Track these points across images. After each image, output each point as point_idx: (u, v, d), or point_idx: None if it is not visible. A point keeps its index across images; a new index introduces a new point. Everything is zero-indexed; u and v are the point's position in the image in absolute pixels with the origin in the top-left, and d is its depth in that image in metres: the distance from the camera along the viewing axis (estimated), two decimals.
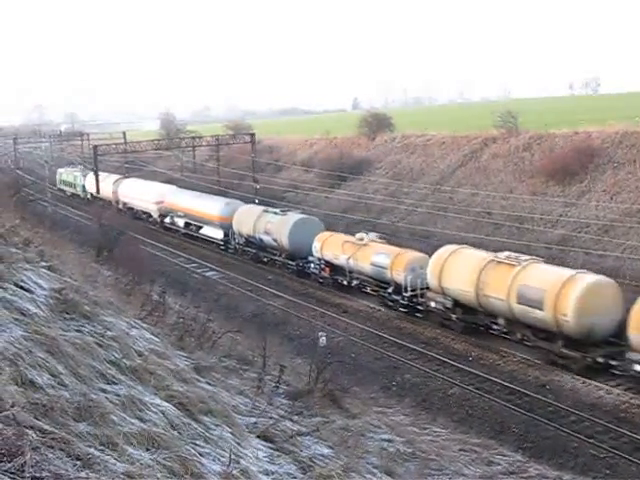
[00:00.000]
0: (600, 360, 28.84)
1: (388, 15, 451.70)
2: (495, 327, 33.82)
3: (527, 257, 33.72)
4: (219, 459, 7.69)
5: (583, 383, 28.39)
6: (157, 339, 13.90)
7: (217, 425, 9.09)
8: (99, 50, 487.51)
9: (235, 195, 64.56)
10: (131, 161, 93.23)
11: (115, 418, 7.06)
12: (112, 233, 44.63)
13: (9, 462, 5.05)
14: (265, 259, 51.94)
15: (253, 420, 11.05)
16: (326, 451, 11.65)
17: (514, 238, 45.80)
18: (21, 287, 10.76)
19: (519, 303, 31.19)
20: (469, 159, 61.33)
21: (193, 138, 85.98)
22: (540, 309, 30.13)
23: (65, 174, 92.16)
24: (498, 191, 53.10)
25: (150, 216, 68.29)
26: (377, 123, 79.94)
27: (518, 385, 28.87)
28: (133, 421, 7.32)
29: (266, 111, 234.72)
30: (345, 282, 43.40)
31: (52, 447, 5.68)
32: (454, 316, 35.42)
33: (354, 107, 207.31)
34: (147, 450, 6.68)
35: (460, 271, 34.41)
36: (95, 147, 75.68)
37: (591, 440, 24.03)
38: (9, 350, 7.43)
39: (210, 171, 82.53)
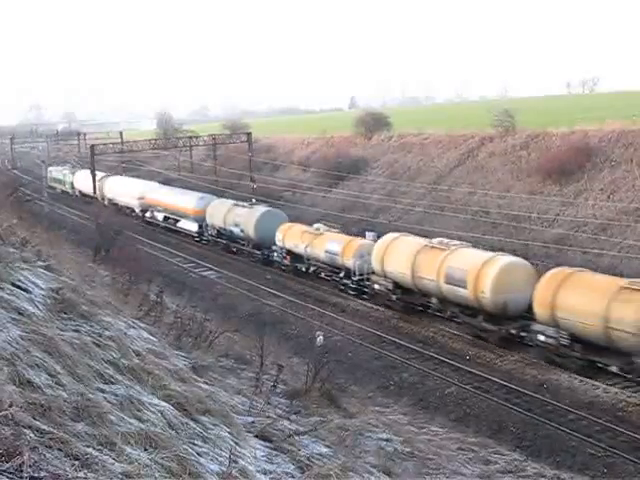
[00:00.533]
0: (513, 332, 32.22)
1: (386, 14, 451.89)
2: (430, 306, 36.78)
3: (456, 242, 37.08)
4: (217, 459, 7.69)
5: (581, 382, 28.40)
6: (155, 339, 13.90)
7: (215, 425, 9.09)
8: (97, 50, 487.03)
9: (233, 195, 64.49)
10: (128, 161, 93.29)
11: (113, 418, 7.05)
12: (109, 233, 44.63)
13: (7, 462, 5.05)
14: (234, 249, 55.29)
15: (251, 419, 11.06)
16: (324, 450, 11.66)
17: (511, 237, 45.84)
18: (18, 287, 10.74)
19: (447, 283, 34.24)
20: (466, 158, 61.40)
21: (190, 138, 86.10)
22: (464, 287, 33.22)
23: (55, 172, 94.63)
24: (495, 190, 53.16)
25: (133, 211, 71.33)
26: (374, 122, 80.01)
27: (516, 384, 28.87)
28: (131, 421, 7.32)
29: (264, 110, 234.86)
30: (303, 268, 46.60)
31: (50, 447, 5.68)
32: (394, 297, 38.34)
33: (351, 106, 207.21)
34: (145, 450, 6.68)
35: (399, 256, 37.38)
36: (92, 147, 75.87)
37: (589, 439, 24.03)
38: (7, 350, 7.42)
39: (207, 171, 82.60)
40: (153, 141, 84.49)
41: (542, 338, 30.33)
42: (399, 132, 75.39)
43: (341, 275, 42.81)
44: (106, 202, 73.26)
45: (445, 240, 36.98)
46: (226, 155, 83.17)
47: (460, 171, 60.02)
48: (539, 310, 30.33)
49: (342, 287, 42.71)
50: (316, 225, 47.21)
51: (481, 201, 53.04)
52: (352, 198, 62.96)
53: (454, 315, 35.24)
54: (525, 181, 53.08)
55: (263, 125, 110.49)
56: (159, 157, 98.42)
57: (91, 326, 10.61)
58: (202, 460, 7.30)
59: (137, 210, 69.96)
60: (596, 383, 28.03)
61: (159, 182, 73.43)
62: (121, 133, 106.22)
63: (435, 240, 37.17)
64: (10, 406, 5.89)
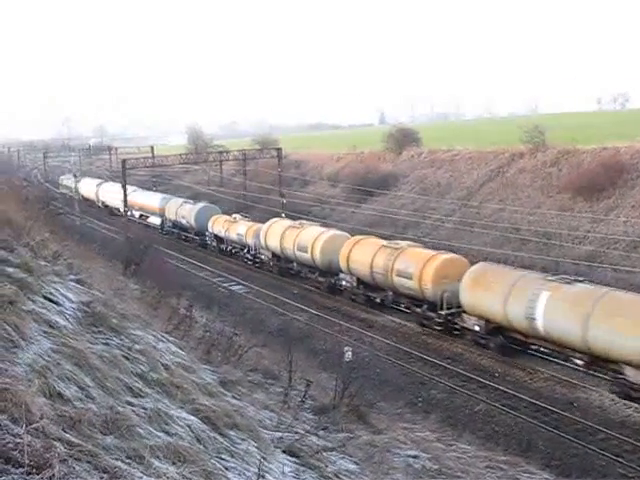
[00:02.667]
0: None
1: (415, 31, 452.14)
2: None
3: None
4: (245, 474, 7.70)
5: (612, 401, 28.08)
6: (183, 352, 13.96)
7: (243, 439, 9.10)
8: (128, 65, 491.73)
9: (261, 210, 65.03)
10: (158, 175, 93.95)
11: (142, 431, 7.09)
12: (139, 247, 44.92)
13: (37, 474, 5.09)
14: (183, 237, 69.03)
15: (279, 435, 11.05)
16: (352, 467, 11.63)
17: (541, 254, 45.53)
18: (50, 300, 10.85)
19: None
20: (496, 174, 61.14)
21: (220, 152, 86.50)
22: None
23: (65, 180, 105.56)
24: (525, 207, 52.86)
25: (119, 210, 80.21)
26: (404, 138, 79.98)
27: (545, 402, 28.59)
28: (159, 434, 7.35)
29: (293, 126, 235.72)
30: (224, 247, 62.03)
31: (79, 460, 5.71)
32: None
33: (381, 122, 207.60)
34: (173, 464, 6.70)
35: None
36: (124, 161, 76.43)
37: (619, 459, 23.72)
38: (38, 362, 7.50)
39: (237, 185, 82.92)
40: (183, 156, 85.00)
41: (344, 283, 44.92)
42: (429, 148, 75.28)
43: (245, 251, 58.56)
44: (100, 204, 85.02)
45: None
46: (256, 170, 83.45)
47: (490, 187, 59.77)
48: (341, 264, 44.24)
49: (245, 259, 58.47)
50: (234, 215, 63.22)
51: (511, 217, 52.74)
52: (381, 213, 62.89)
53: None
54: (555, 198, 52.73)
55: (292, 140, 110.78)
56: (189, 171, 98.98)
57: (121, 339, 10.69)
58: (229, 475, 7.32)
59: (122, 210, 76.50)
60: (628, 402, 27.68)
61: (139, 188, 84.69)
62: (152, 148, 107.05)
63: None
64: (41, 418, 5.95)
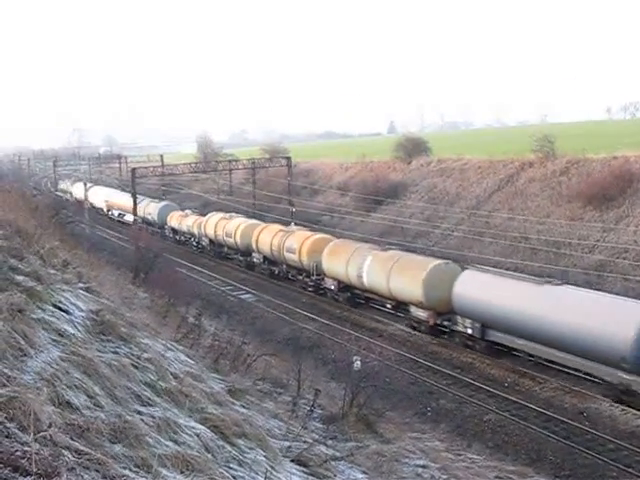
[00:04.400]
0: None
1: (426, 40, 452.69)
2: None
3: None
4: None
5: (622, 411, 27.92)
6: (192, 361, 13.96)
7: (251, 448, 9.08)
8: (138, 74, 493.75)
9: (271, 219, 65.12)
10: (168, 184, 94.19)
11: (150, 440, 7.08)
12: (148, 255, 45.03)
13: None
14: (150, 231, 72.73)
15: (287, 444, 11.03)
16: (360, 476, 11.61)
17: (551, 263, 45.40)
18: (59, 308, 10.87)
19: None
20: (505, 183, 61.04)
21: (229, 161, 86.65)
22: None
23: (62, 184, 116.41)
24: (535, 216, 52.73)
25: (102, 210, 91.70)
26: (413, 147, 79.95)
27: (555, 412, 28.47)
28: (168, 443, 7.34)
29: (302, 134, 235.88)
30: (178, 238, 73.93)
31: (88, 468, 5.71)
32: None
33: (390, 131, 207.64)
34: (181, 473, 6.69)
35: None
36: (133, 170, 76.77)
37: (630, 469, 23.59)
38: (47, 371, 7.51)
39: (246, 194, 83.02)
40: (193, 164, 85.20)
41: (255, 260, 58.33)
42: (438, 157, 75.26)
43: (192, 240, 70.76)
44: (88, 205, 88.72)
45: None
46: (265, 179, 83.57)
47: (499, 196, 59.68)
48: (253, 246, 57.53)
49: (193, 248, 70.78)
50: (186, 210, 75.59)
51: (520, 227, 52.63)
52: (391, 222, 62.87)
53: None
54: (565, 207, 52.60)
55: (301, 149, 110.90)
56: (199, 180, 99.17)
57: (130, 348, 10.70)
58: None
59: (105, 210, 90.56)
60: (638, 412, 27.54)
61: (120, 190, 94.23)
62: (162, 156, 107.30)
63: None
64: (49, 426, 5.95)
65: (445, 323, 37.58)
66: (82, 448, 5.98)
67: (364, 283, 42.77)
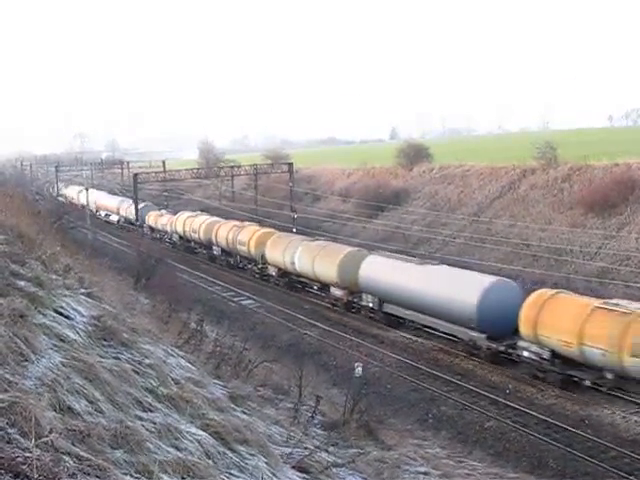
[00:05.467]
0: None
1: (428, 46, 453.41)
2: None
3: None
4: None
5: (623, 418, 27.89)
6: (194, 367, 13.95)
7: (252, 455, 9.07)
8: (141, 78, 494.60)
9: (272, 225, 65.11)
10: (170, 189, 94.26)
11: (151, 446, 7.07)
12: (150, 261, 45.02)
13: None
14: (131, 229, 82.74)
15: (288, 450, 11.02)
16: None
17: (553, 270, 45.39)
18: (60, 313, 10.87)
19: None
20: (507, 190, 61.11)
21: (232, 167, 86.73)
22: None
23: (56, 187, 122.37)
24: (536, 222, 52.78)
25: (92, 211, 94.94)
26: (415, 153, 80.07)
27: (556, 419, 28.41)
28: (169, 449, 7.33)
29: (304, 141, 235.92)
30: (153, 235, 77.93)
31: (88, 474, 5.71)
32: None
33: (392, 137, 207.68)
34: (182, 479, 6.69)
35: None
36: (135, 175, 76.91)
37: (631, 477, 23.50)
38: (48, 376, 7.50)
39: (248, 200, 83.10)
40: (195, 170, 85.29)
41: (215, 253, 65.83)
42: (440, 164, 75.32)
43: (166, 236, 75.84)
44: (80, 206, 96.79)
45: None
46: (267, 185, 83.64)
47: (501, 203, 59.73)
48: (213, 240, 64.84)
49: (167, 241, 75.30)
50: (162, 210, 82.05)
51: (522, 233, 52.65)
52: (392, 229, 62.90)
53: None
54: (567, 214, 52.63)
55: (303, 155, 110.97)
56: (201, 186, 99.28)
57: (131, 354, 10.68)
58: None
59: (94, 211, 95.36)
60: (639, 420, 27.51)
61: (107, 193, 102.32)
62: (164, 162, 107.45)
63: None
64: (50, 432, 5.94)
65: (355, 300, 44.98)
66: (83, 454, 5.98)
67: (296, 269, 50.91)
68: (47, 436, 5.82)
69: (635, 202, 48.99)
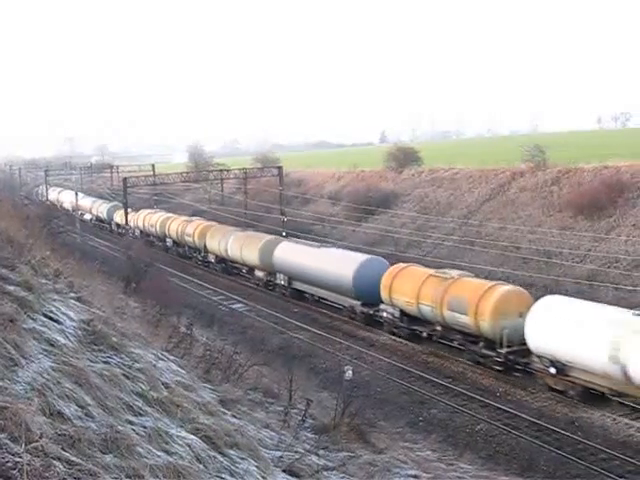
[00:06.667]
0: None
1: (418, 49, 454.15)
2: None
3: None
4: None
5: (613, 420, 27.96)
6: (184, 371, 13.94)
7: (243, 459, 9.07)
8: (130, 83, 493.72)
9: (262, 228, 65.30)
10: (159, 193, 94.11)
11: (141, 450, 7.07)
12: (140, 265, 44.94)
13: None
14: (101, 226, 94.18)
15: (279, 454, 11.02)
16: None
17: (542, 272, 45.50)
18: (50, 318, 10.85)
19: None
20: (497, 193, 61.21)
21: (221, 171, 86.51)
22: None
23: (40, 189, 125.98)
24: (526, 225, 52.87)
25: (69, 210, 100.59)
26: (404, 157, 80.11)
27: (546, 421, 28.47)
28: (159, 454, 7.33)
29: (295, 144, 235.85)
30: (119, 230, 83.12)
31: (79, 479, 5.70)
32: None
33: (382, 140, 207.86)
34: None
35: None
36: (125, 179, 76.67)
37: (621, 479, 23.60)
38: (38, 381, 7.49)
39: (238, 204, 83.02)
40: (184, 174, 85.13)
41: (168, 245, 73.63)
42: (430, 167, 75.43)
43: (130, 231, 77.78)
44: (59, 207, 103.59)
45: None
46: (257, 188, 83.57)
47: (490, 206, 59.83)
48: (167, 234, 73.85)
49: (130, 237, 75.86)
50: (130, 210, 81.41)
51: (511, 236, 52.73)
52: (382, 232, 62.94)
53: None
54: (556, 216, 52.76)
55: (294, 159, 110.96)
56: (190, 190, 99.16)
57: (121, 358, 10.68)
58: None
59: (71, 210, 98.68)
60: (629, 422, 27.59)
61: (84, 194, 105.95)
62: (153, 166, 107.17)
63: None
64: (40, 437, 5.94)
65: (271, 279, 53.64)
66: (73, 459, 5.97)
67: (229, 255, 59.87)
68: (37, 441, 5.81)
69: (624, 205, 49.15)
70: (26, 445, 5.60)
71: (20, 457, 5.42)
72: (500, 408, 30.27)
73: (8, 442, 5.71)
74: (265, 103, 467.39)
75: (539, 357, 31.04)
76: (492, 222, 56.41)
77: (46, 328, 10.03)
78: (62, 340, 9.87)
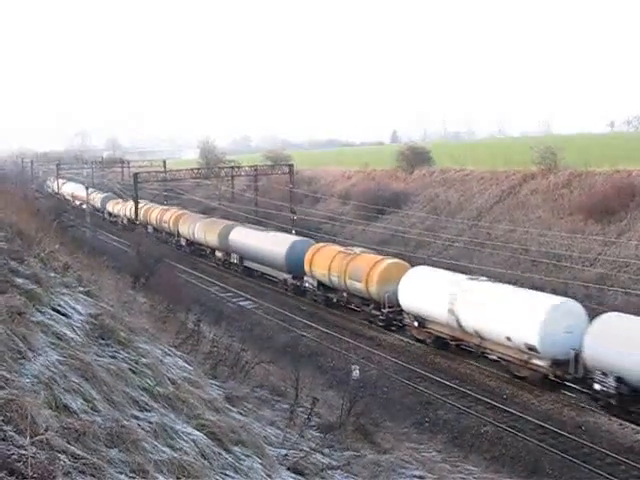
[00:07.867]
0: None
1: (428, 48, 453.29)
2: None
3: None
4: None
5: (620, 425, 27.89)
6: (190, 367, 13.95)
7: (247, 456, 9.07)
8: (142, 78, 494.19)
9: (272, 226, 65.07)
10: (170, 189, 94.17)
11: (146, 445, 7.07)
12: (149, 260, 44.97)
13: None
14: (96, 215, 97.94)
15: (284, 452, 11.02)
16: None
17: (551, 276, 45.36)
18: (58, 311, 10.86)
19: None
20: (507, 195, 61.07)
21: (232, 168, 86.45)
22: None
23: (48, 182, 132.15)
24: (536, 228, 52.72)
25: (70, 200, 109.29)
26: (415, 157, 79.89)
27: (553, 425, 28.42)
28: (164, 449, 7.33)
29: (305, 142, 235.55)
30: (111, 219, 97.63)
31: (83, 472, 5.71)
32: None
33: (393, 140, 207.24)
34: (178, 479, 6.69)
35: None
36: (135, 175, 76.78)
37: None
38: (44, 374, 7.50)
39: (248, 201, 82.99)
40: (195, 170, 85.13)
41: (149, 231, 78.49)
42: (441, 167, 75.30)
43: (119, 220, 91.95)
44: (62, 197, 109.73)
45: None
46: (267, 186, 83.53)
47: (501, 207, 59.70)
48: (148, 221, 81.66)
49: (119, 224, 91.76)
50: (119, 200, 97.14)
51: (521, 238, 52.59)
52: (391, 232, 62.87)
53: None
54: (566, 219, 52.61)
55: (304, 157, 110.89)
56: (201, 186, 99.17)
57: (128, 353, 10.68)
58: None
59: (71, 200, 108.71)
60: (636, 427, 27.50)
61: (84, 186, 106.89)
62: (164, 162, 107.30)
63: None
64: (46, 430, 5.94)
65: (227, 259, 63.24)
66: (78, 452, 5.98)
67: (196, 239, 69.96)
68: (43, 434, 5.82)
69: (635, 209, 48.96)
70: (31, 438, 5.61)
71: (25, 450, 5.43)
72: (507, 410, 30.23)
73: (14, 435, 5.72)
74: (276, 101, 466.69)
75: (407, 314, 40.00)
76: (502, 224, 56.27)
77: (54, 321, 10.04)
78: (70, 334, 9.88)
